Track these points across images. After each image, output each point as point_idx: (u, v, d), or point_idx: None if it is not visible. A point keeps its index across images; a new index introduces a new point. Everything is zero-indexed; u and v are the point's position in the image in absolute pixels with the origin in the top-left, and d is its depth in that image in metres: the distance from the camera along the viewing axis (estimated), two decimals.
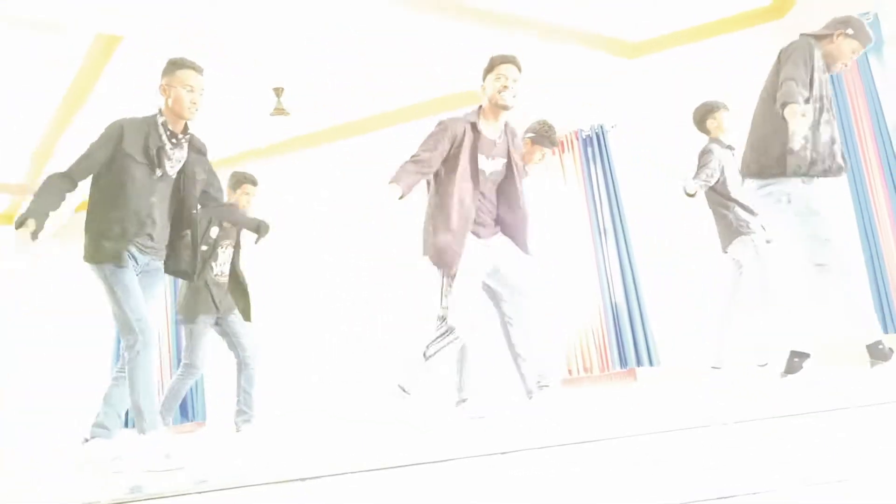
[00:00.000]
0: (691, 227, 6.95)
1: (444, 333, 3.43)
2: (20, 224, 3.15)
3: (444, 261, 3.49)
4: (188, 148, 3.42)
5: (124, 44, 6.02)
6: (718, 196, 5.01)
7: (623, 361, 7.07)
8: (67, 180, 3.45)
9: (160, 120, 3.35)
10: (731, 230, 4.93)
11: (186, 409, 8.75)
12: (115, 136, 3.33)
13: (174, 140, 3.34)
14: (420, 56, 6.14)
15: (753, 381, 4.51)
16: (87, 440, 3.26)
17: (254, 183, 5.02)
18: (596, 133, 7.41)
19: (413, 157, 3.50)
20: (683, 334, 6.87)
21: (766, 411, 2.51)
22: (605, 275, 7.26)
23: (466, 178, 3.56)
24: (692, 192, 4.77)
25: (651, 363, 6.95)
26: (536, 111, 7.63)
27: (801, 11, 6.66)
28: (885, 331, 5.76)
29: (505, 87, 3.61)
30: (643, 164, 6.52)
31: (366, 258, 8.23)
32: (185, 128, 3.38)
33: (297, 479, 2.10)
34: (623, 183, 7.32)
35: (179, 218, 3.47)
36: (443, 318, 3.45)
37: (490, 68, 3.70)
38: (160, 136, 3.32)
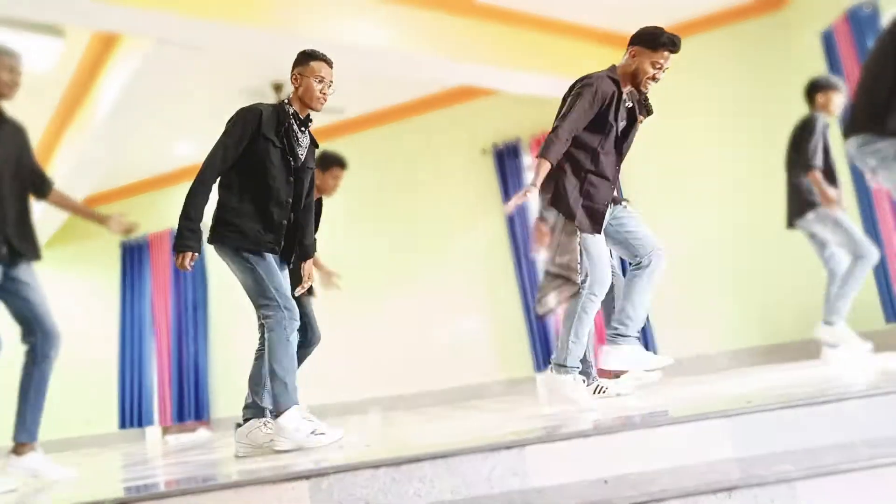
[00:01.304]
0: (687, 220, 6.96)
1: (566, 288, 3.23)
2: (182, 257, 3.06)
3: (592, 225, 3.29)
4: (309, 137, 3.41)
5: (122, 43, 6.03)
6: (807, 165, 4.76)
7: None
8: (206, 188, 3.17)
9: (290, 110, 3.33)
10: (807, 201, 4.74)
11: (184, 409, 8.78)
12: (255, 119, 3.23)
13: (302, 128, 3.34)
14: (428, 52, 6.12)
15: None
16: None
17: (343, 166, 4.77)
18: None
19: (563, 120, 3.23)
20: (679, 326, 6.88)
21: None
22: (621, 260, 7.27)
23: (612, 142, 3.38)
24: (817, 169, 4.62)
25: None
26: (532, 105, 7.69)
27: (801, 2, 6.66)
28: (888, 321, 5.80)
29: (656, 77, 3.36)
30: None
31: (376, 251, 8.22)
32: (308, 117, 3.37)
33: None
34: (631, 172, 7.30)
35: (298, 205, 3.37)
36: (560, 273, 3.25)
37: (653, 44, 3.34)
38: (292, 123, 3.30)
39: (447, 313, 7.92)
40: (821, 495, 1.85)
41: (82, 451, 7.62)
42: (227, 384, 8.66)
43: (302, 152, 3.33)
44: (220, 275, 8.89)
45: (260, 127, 3.22)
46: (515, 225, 7.65)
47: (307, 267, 3.49)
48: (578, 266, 3.26)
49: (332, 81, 3.35)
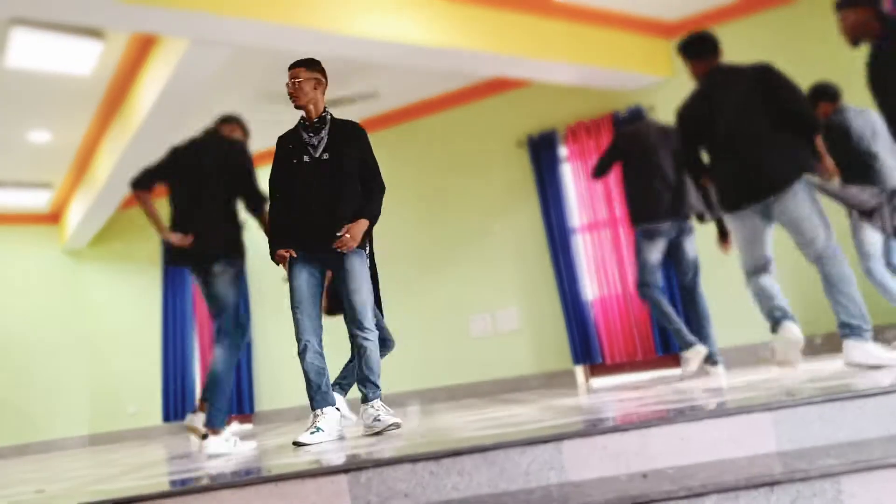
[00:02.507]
0: None
1: None
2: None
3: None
4: (329, 130, 3.64)
5: (160, 44, 6.12)
6: None
7: (664, 346, 7.01)
8: (272, 212, 3.71)
9: (301, 117, 3.71)
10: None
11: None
12: (278, 143, 3.72)
13: (311, 130, 3.64)
14: (463, 44, 6.10)
15: None
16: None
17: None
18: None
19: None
20: (721, 315, 6.77)
21: None
22: None
23: None
24: None
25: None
26: (567, 95, 7.63)
27: None
28: None
29: None
30: None
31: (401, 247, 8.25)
32: (321, 115, 3.65)
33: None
34: None
35: (344, 192, 3.59)
36: None
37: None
38: (300, 129, 3.68)
39: (483, 305, 7.92)
40: (866, 491, 1.81)
41: (128, 444, 7.79)
42: (270, 378, 8.78)
43: (315, 150, 3.61)
44: (260, 271, 9.00)
45: (279, 148, 3.68)
46: (551, 217, 7.61)
47: (347, 227, 3.54)
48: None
49: (296, 80, 3.63)
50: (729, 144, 3.70)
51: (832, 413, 2.15)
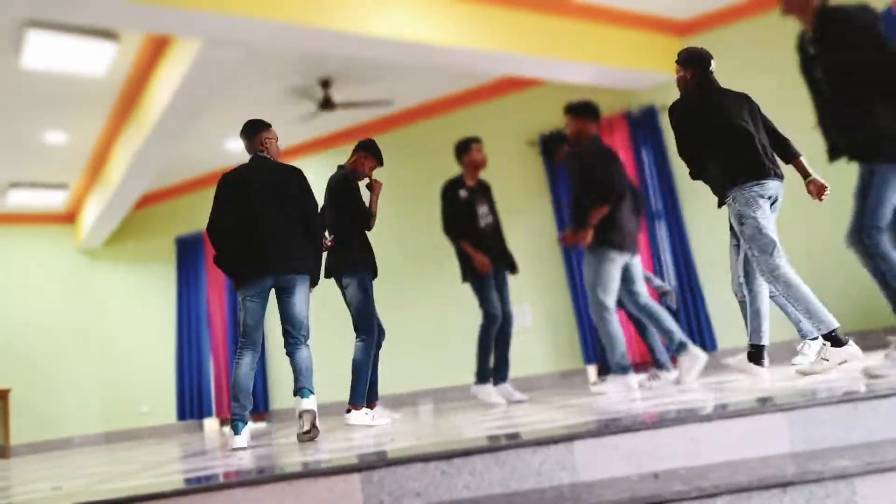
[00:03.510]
0: None
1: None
2: None
3: None
4: None
5: (173, 45, 6.16)
6: None
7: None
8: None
9: None
10: None
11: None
12: None
13: None
14: (475, 43, 6.10)
15: None
16: None
17: (479, 141, 5.52)
18: (645, 114, 7.27)
19: None
20: (735, 314, 6.73)
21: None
22: (659, 259, 7.17)
23: None
24: None
25: (707, 348, 6.82)
26: (579, 95, 7.60)
27: None
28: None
29: None
30: None
31: (412, 247, 8.26)
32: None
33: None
34: (677, 164, 7.17)
35: None
36: None
37: None
38: None
39: None
40: (881, 492, 1.80)
41: (145, 442, 7.85)
42: (284, 376, 8.80)
43: None
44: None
45: None
46: (563, 215, 7.59)
47: None
48: None
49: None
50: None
51: (846, 414, 2.14)
